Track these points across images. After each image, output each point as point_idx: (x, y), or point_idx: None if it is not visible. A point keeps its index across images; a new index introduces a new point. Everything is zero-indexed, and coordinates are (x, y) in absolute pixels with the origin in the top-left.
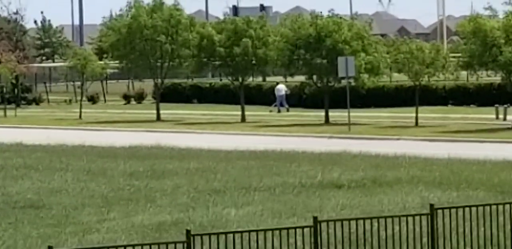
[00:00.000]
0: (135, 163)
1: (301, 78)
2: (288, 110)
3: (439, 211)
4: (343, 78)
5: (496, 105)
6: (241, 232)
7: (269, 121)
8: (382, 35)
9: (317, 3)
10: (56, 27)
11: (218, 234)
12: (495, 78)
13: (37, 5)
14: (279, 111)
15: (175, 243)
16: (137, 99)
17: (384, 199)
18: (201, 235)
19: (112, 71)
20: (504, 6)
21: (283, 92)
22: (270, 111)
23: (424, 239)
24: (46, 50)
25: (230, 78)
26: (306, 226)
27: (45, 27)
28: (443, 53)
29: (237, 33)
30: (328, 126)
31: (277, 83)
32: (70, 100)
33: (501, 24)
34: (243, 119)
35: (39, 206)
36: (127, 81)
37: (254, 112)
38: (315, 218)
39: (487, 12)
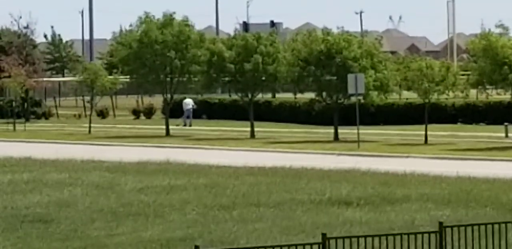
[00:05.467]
0: (144, 178)
1: (310, 94)
2: (191, 125)
3: (448, 229)
4: (352, 95)
5: (505, 124)
6: (250, 248)
7: (278, 137)
8: (392, 52)
9: (327, 20)
10: (66, 42)
11: None
12: (505, 96)
13: (48, 19)
14: (185, 125)
15: None
16: (146, 114)
17: (393, 217)
18: None
19: (120, 86)
20: None
21: (190, 106)
22: (177, 125)
23: None
24: (56, 64)
25: (239, 94)
26: (315, 243)
27: (55, 42)
28: (453, 71)
29: (247, 49)
30: (337, 143)
31: (185, 97)
32: (79, 115)
33: None
34: (252, 135)
35: (48, 220)
36: (136, 96)
37: (263, 128)
38: (323, 235)
39: (498, 30)
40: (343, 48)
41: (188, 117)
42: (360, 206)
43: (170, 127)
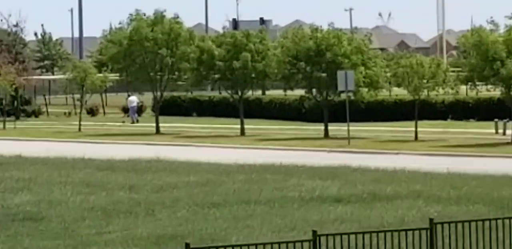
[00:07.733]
0: (135, 176)
1: (300, 91)
2: (138, 121)
3: (439, 226)
4: (342, 92)
5: (495, 120)
6: (241, 245)
7: (269, 134)
8: (382, 49)
9: (317, 17)
10: (56, 40)
11: (217, 247)
12: (495, 92)
13: (37, 17)
14: (132, 122)
15: None
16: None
17: (383, 213)
18: (200, 248)
19: (110, 84)
20: (506, 20)
21: (135, 104)
22: (123, 122)
23: None
24: (46, 62)
25: (229, 91)
26: (306, 240)
27: (45, 40)
28: (443, 68)
29: (236, 46)
30: (327, 140)
31: (129, 95)
32: (69, 113)
33: (503, 38)
34: (242, 132)
35: (38, 218)
36: (126, 93)
37: (253, 125)
38: (314, 232)
39: (489, 26)
40: (333, 45)
41: (134, 113)
42: (351, 203)
43: (113, 123)
